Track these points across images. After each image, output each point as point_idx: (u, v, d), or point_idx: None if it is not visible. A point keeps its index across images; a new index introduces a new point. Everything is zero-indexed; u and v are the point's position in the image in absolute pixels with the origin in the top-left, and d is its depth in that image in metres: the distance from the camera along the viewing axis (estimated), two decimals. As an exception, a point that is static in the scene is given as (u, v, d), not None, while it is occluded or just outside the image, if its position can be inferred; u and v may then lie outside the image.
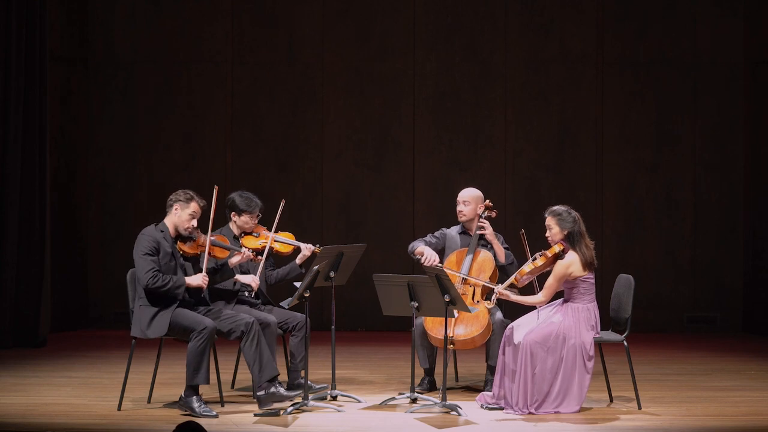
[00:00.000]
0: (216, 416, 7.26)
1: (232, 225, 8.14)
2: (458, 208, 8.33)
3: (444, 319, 7.43)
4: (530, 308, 7.70)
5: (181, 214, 7.54)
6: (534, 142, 11.90)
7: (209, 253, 7.59)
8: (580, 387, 7.40)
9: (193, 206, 7.55)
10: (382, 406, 7.65)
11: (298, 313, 7.96)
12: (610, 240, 11.84)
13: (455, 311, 7.67)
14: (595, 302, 7.54)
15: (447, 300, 7.29)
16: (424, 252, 8.15)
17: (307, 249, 8.10)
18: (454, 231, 8.38)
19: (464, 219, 8.30)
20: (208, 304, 7.71)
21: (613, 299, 7.82)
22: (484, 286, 8.00)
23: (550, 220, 7.57)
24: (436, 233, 8.39)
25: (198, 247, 7.58)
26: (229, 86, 11.95)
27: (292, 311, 7.90)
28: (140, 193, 11.85)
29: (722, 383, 8.71)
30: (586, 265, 7.47)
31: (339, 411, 7.49)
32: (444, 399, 7.40)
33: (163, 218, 7.61)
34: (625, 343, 7.61)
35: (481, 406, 7.59)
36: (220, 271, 7.70)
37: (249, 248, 7.89)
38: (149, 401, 7.73)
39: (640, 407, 7.56)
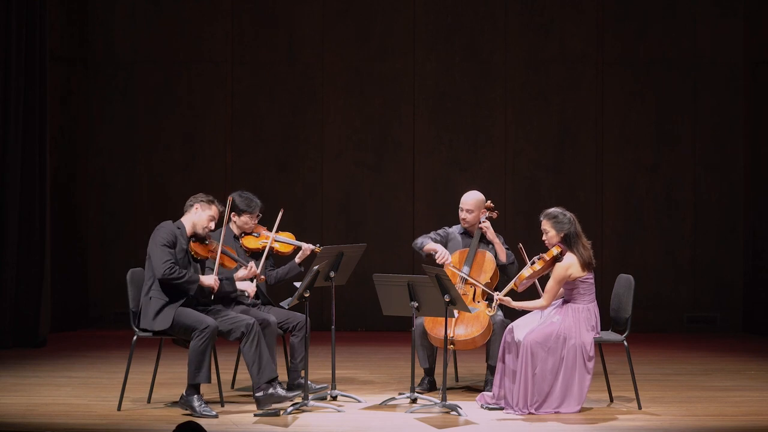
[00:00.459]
0: (216, 416, 7.26)
1: (232, 225, 8.14)
2: (461, 215, 8.30)
3: (444, 319, 7.43)
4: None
5: (201, 215, 7.60)
6: (534, 142, 11.90)
7: (220, 263, 7.65)
8: (580, 387, 7.40)
9: (214, 209, 7.66)
10: (382, 406, 7.66)
11: (298, 313, 7.96)
12: (610, 240, 11.84)
13: (455, 311, 7.68)
14: (595, 302, 7.54)
15: (447, 300, 7.29)
16: (438, 250, 8.12)
17: (307, 248, 8.10)
18: (456, 230, 8.38)
19: (467, 226, 8.30)
20: (208, 304, 7.71)
21: (613, 299, 7.82)
22: (484, 286, 8.00)
23: (545, 224, 7.54)
24: (440, 231, 8.39)
25: (209, 252, 7.64)
26: (229, 86, 11.95)
27: (292, 311, 7.90)
28: (140, 193, 11.85)
29: (722, 383, 8.71)
30: (585, 265, 7.47)
31: (339, 411, 7.50)
32: (444, 399, 7.40)
33: (180, 217, 7.67)
34: (625, 343, 7.61)
35: (481, 406, 7.59)
36: (225, 282, 7.74)
37: (250, 248, 7.98)
38: (149, 401, 7.73)
39: (640, 407, 7.56)
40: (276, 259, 8.36)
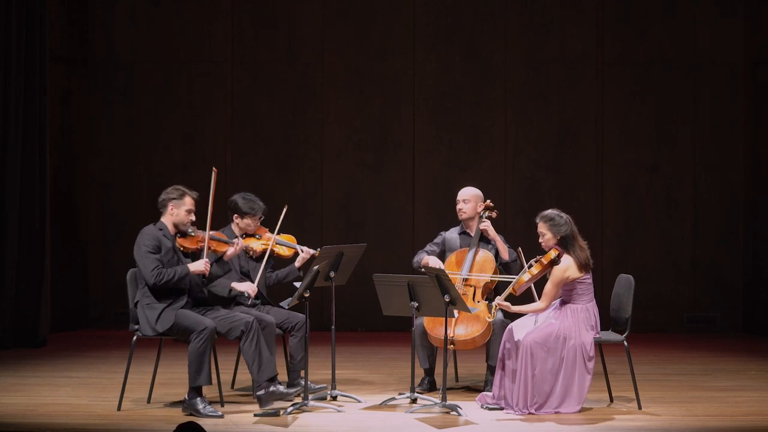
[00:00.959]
0: (221, 416, 7.24)
1: (234, 226, 8.14)
2: (458, 207, 8.34)
3: (444, 319, 7.43)
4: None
5: (178, 213, 7.55)
6: (534, 142, 11.90)
7: (209, 248, 7.60)
8: (580, 387, 7.39)
9: (188, 200, 7.58)
10: (382, 406, 7.65)
11: (298, 313, 7.95)
12: (610, 240, 11.84)
13: (455, 311, 7.67)
14: (594, 302, 7.53)
15: (447, 300, 7.29)
16: (429, 261, 8.15)
17: (306, 252, 8.09)
18: (453, 233, 8.38)
19: (464, 217, 8.30)
20: (207, 305, 7.71)
21: (613, 299, 7.82)
22: (484, 286, 8.00)
23: (542, 227, 7.52)
24: (435, 240, 8.40)
25: (197, 242, 7.60)
26: (229, 86, 11.95)
27: (291, 311, 7.90)
28: (140, 193, 11.85)
29: (722, 383, 8.71)
30: (582, 266, 7.46)
31: (339, 411, 7.49)
32: (444, 399, 7.40)
33: (159, 218, 7.62)
34: (625, 343, 7.61)
35: (481, 407, 7.58)
36: (216, 264, 7.70)
37: (254, 250, 7.97)
38: (149, 401, 7.73)
39: (640, 407, 7.56)
40: (276, 261, 8.35)
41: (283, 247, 8.14)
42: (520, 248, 8.10)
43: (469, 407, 7.54)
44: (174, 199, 7.55)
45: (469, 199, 8.30)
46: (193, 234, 7.60)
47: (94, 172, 11.91)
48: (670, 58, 11.85)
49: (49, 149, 10.70)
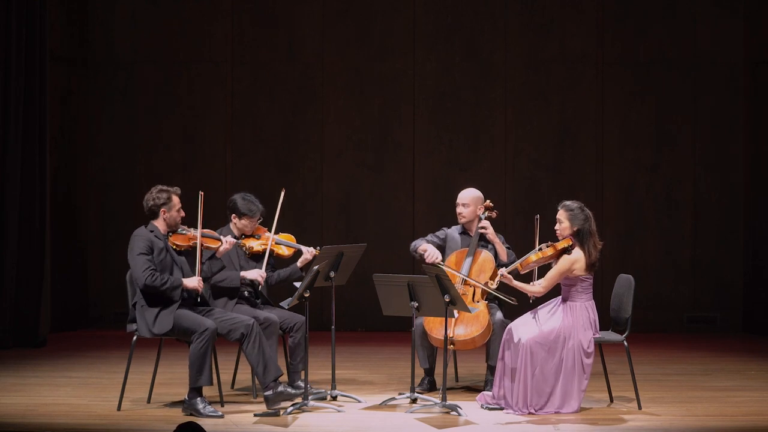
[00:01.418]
0: (222, 416, 7.24)
1: (232, 226, 8.13)
2: (458, 210, 8.33)
3: (444, 319, 7.43)
4: (529, 306, 7.69)
5: (170, 215, 7.58)
6: (534, 142, 11.90)
7: (202, 245, 7.60)
8: (579, 386, 7.39)
9: (175, 199, 7.63)
10: (382, 406, 7.65)
11: (298, 314, 7.95)
12: (610, 240, 11.80)
13: (455, 311, 7.67)
14: (593, 300, 7.54)
15: (447, 300, 7.29)
16: (427, 249, 8.15)
17: (308, 252, 8.09)
18: (454, 231, 8.38)
19: (464, 221, 8.30)
20: (207, 304, 7.71)
21: (613, 299, 7.82)
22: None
23: (561, 214, 7.56)
24: (438, 232, 8.40)
25: (190, 240, 7.61)
26: (229, 86, 11.95)
27: (291, 311, 7.89)
28: (140, 193, 11.72)
29: (722, 383, 8.71)
30: (590, 266, 7.47)
31: (339, 411, 7.49)
32: (444, 399, 7.40)
33: (151, 220, 7.63)
34: (625, 343, 7.61)
35: (481, 406, 7.59)
36: (210, 262, 7.70)
37: (253, 251, 7.97)
38: (149, 401, 7.73)
39: (640, 407, 7.55)
40: (276, 261, 8.35)
41: (283, 246, 8.13)
42: (538, 215, 7.96)
43: (469, 407, 7.54)
44: (164, 204, 7.59)
45: (468, 203, 8.28)
46: (184, 232, 7.62)
47: (94, 172, 11.91)
48: (670, 58, 11.84)
49: (49, 149, 10.70)
